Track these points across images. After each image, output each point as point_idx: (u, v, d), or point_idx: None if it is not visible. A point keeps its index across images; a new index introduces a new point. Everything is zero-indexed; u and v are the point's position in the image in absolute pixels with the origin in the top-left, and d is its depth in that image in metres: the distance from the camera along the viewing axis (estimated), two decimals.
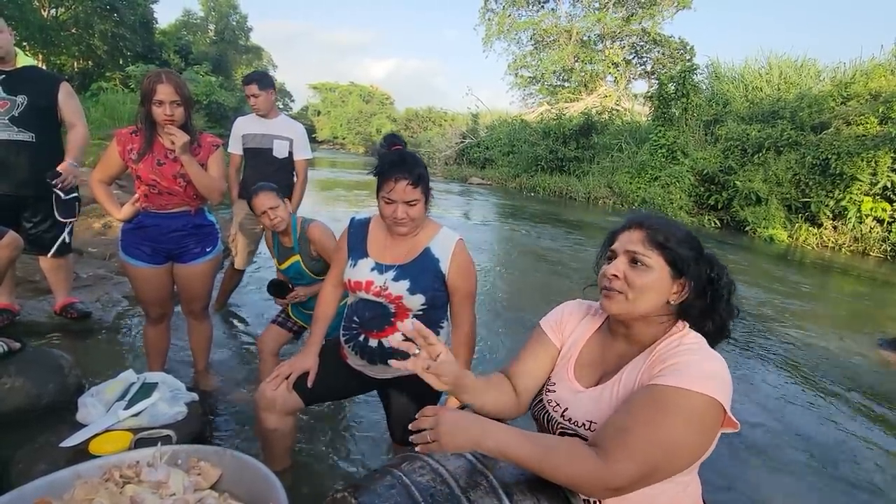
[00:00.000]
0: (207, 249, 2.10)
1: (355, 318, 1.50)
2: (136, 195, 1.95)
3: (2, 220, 2.22)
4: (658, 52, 24.50)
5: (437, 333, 1.54)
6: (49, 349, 2.15)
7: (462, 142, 22.73)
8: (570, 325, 1.09)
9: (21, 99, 2.22)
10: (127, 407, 1.69)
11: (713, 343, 0.92)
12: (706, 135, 12.50)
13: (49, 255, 2.45)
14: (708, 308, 0.92)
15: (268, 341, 2.33)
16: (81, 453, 1.52)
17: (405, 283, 1.42)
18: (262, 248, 3.11)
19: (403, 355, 0.93)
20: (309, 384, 1.52)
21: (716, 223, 11.12)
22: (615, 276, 0.91)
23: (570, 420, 0.95)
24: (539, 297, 4.73)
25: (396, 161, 1.36)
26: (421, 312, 1.47)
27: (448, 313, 1.57)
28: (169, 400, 1.77)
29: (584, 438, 0.89)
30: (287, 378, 1.51)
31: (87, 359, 2.40)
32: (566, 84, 25.28)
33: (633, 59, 25.49)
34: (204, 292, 2.17)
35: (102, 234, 4.39)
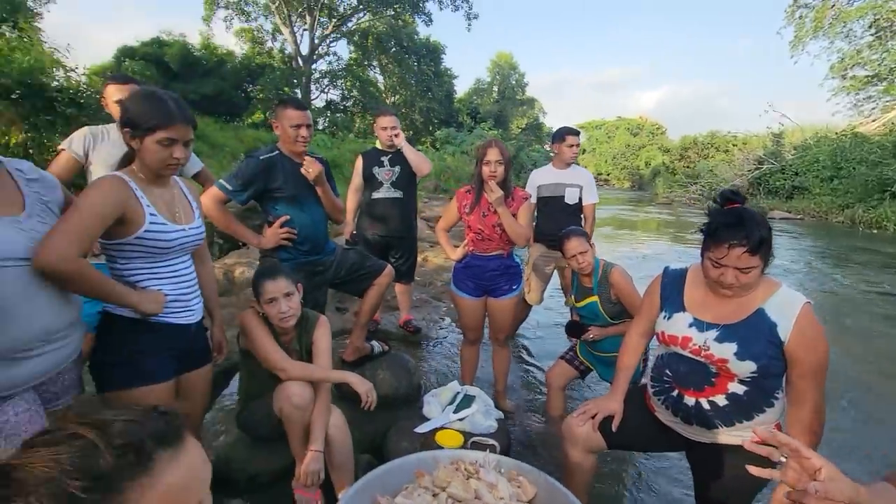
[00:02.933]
0: (514, 287, 2.44)
1: (667, 372, 1.46)
2: (466, 241, 2.45)
3: (378, 255, 3.14)
4: None
5: (771, 405, 1.34)
6: (401, 353, 2.89)
7: (758, 168, 18.99)
8: None
9: (398, 169, 3.15)
10: (455, 411, 2.10)
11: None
12: None
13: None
14: None
15: (556, 376, 2.49)
16: (427, 440, 1.97)
17: (731, 346, 1.30)
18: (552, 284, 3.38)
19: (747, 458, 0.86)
20: (613, 428, 1.55)
21: None
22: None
23: None
24: (888, 369, 3.44)
25: (733, 223, 1.24)
26: (749, 379, 1.31)
27: (784, 383, 1.35)
28: (484, 413, 2.10)
29: None
30: (593, 417, 1.57)
31: (421, 364, 3.09)
32: None
33: None
34: (509, 323, 2.52)
35: (422, 266, 5.63)
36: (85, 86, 7.75)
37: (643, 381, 1.93)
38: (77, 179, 2.15)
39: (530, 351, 3.62)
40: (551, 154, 3.37)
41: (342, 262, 2.45)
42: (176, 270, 1.45)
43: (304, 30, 22.14)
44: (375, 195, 3.11)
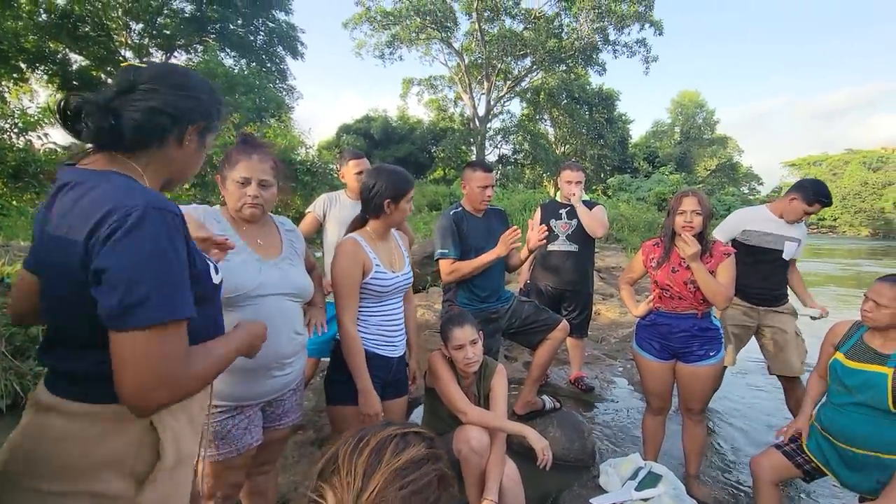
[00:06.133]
0: (711, 353, 2.13)
1: None
2: (651, 297, 2.27)
3: (550, 306, 3.10)
4: None
5: None
6: (574, 412, 2.74)
7: None
8: None
9: (575, 222, 3.14)
10: (638, 489, 1.89)
11: None
12: None
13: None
14: None
15: (766, 469, 2.02)
16: None
17: None
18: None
19: None
20: None
21: None
22: None
23: None
24: None
25: None
26: None
27: None
28: (673, 497, 1.84)
29: None
30: None
31: (593, 427, 2.88)
32: None
33: None
34: (703, 394, 2.19)
35: (593, 320, 5.33)
36: (316, 158, 9.91)
37: None
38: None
39: (733, 425, 3.05)
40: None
41: (517, 311, 2.50)
42: (389, 309, 1.71)
43: (482, 94, 24.29)
44: (551, 247, 3.14)
